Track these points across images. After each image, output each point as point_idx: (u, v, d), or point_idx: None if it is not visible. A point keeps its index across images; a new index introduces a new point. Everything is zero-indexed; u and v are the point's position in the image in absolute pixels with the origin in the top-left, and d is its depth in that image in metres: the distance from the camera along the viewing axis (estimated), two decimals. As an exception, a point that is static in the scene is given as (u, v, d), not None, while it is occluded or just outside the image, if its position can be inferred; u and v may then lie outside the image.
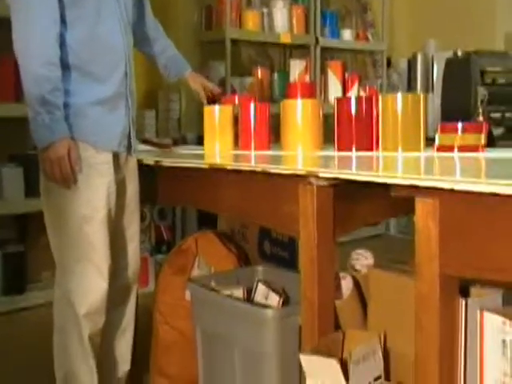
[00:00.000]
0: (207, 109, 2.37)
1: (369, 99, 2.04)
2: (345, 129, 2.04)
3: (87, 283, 1.93)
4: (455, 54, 4.12)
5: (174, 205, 3.70)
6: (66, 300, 1.94)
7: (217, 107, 2.36)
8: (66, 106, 1.85)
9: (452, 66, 3.42)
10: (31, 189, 3.24)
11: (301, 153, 2.11)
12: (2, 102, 3.19)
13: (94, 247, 1.92)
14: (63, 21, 1.85)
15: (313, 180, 1.60)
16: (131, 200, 2.10)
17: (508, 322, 1.33)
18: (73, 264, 1.93)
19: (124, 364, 2.17)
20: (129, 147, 2.04)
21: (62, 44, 1.86)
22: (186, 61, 2.44)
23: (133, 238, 2.13)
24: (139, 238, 2.18)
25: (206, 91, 2.45)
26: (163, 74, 2.43)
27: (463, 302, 1.40)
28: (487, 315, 1.36)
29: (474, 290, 1.45)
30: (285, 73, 4.47)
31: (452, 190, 1.27)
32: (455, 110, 3.26)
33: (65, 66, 1.86)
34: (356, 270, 1.85)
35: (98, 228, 1.92)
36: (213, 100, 2.45)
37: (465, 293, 1.44)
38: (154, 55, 2.37)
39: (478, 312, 1.37)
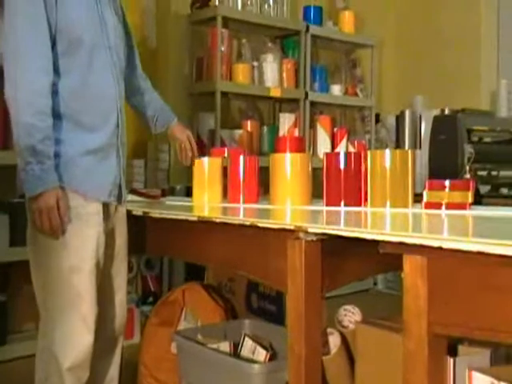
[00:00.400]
0: (197, 160, 2.39)
1: (357, 154, 2.06)
2: (333, 184, 2.06)
3: (72, 335, 1.89)
4: (442, 111, 4.20)
5: (161, 255, 3.68)
6: (49, 352, 1.90)
7: (206, 159, 2.38)
8: (56, 155, 1.84)
9: (439, 123, 3.48)
10: (16, 237, 3.18)
11: (289, 207, 2.12)
12: (-12, 150, 3.17)
13: (81, 298, 1.89)
14: (55, 70, 1.86)
15: (301, 235, 1.61)
16: (120, 250, 2.09)
17: (496, 382, 1.32)
18: (58, 315, 1.89)
19: None
20: (119, 197, 2.03)
21: (54, 93, 1.86)
22: (172, 112, 2.41)
23: (120, 289, 2.11)
24: (126, 289, 2.16)
25: (192, 146, 2.37)
26: (150, 125, 2.37)
27: (451, 361, 1.39)
28: (475, 375, 1.35)
29: (462, 348, 1.44)
30: (274, 126, 4.52)
31: (440, 248, 1.27)
32: (443, 166, 3.30)
33: (56, 116, 1.86)
34: (344, 326, 1.84)
35: (86, 279, 1.90)
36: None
37: (453, 350, 1.44)
38: (141, 106, 2.34)
39: (467, 371, 1.36)
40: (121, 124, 2.02)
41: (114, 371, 2.12)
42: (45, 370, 1.92)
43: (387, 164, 1.96)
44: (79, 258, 1.89)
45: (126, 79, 2.20)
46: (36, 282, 1.94)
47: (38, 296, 1.94)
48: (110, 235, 2.02)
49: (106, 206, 1.99)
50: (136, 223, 2.17)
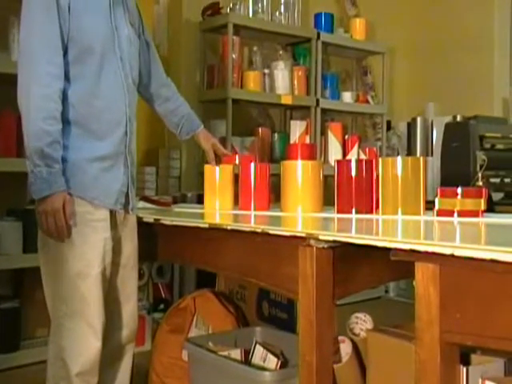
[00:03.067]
0: (208, 167, 2.39)
1: (369, 162, 2.06)
2: (345, 191, 2.06)
3: (80, 341, 1.91)
4: (454, 118, 4.18)
5: (173, 263, 3.68)
6: (58, 358, 1.92)
7: (217, 166, 2.38)
8: (64, 160, 1.88)
9: (451, 130, 3.47)
10: (29, 244, 3.21)
11: (301, 214, 2.11)
12: (3, 157, 3.21)
13: (88, 304, 1.91)
14: (66, 77, 1.90)
15: (312, 242, 1.60)
16: (129, 258, 2.09)
17: (510, 391, 1.31)
18: (66, 320, 1.91)
19: None
20: (126, 205, 2.04)
21: (64, 100, 1.89)
22: (198, 119, 2.46)
23: (130, 297, 2.11)
24: (137, 297, 2.16)
25: (218, 154, 2.42)
26: (174, 132, 2.43)
27: (464, 370, 1.38)
28: (489, 384, 1.34)
29: (475, 358, 1.43)
30: (285, 133, 4.52)
31: (452, 256, 1.27)
32: (455, 173, 3.28)
33: (65, 122, 1.89)
34: (355, 334, 1.83)
35: (93, 285, 1.91)
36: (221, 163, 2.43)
37: (466, 360, 1.42)
38: (166, 114, 2.39)
39: (480, 381, 1.35)
40: (129, 133, 2.03)
41: (123, 378, 2.13)
42: (55, 376, 1.94)
43: (399, 171, 1.95)
44: (86, 263, 1.90)
45: (147, 87, 2.27)
46: (46, 289, 1.96)
47: (48, 302, 1.96)
48: (118, 243, 2.03)
49: (113, 213, 2.00)
50: (147, 230, 2.18)
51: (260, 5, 4.29)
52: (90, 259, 1.91)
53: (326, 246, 1.60)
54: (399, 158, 1.98)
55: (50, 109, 1.84)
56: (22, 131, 1.86)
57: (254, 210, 2.26)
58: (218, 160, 2.42)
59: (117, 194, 2.00)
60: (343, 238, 1.53)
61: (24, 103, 1.85)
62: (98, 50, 1.93)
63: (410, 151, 4.89)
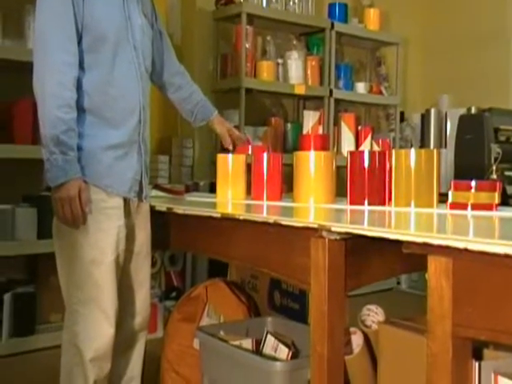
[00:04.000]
0: (220, 156, 2.40)
1: (382, 153, 2.05)
2: (357, 182, 2.05)
3: (93, 327, 1.93)
4: (469, 110, 4.16)
5: (185, 251, 3.69)
6: (72, 344, 1.95)
7: (230, 155, 2.39)
8: (79, 148, 1.90)
9: (466, 122, 3.44)
10: (44, 230, 3.25)
11: (313, 205, 2.11)
12: (19, 144, 3.23)
13: (101, 291, 1.93)
14: (80, 65, 1.92)
15: (325, 233, 1.60)
16: (142, 246, 2.11)
17: (523, 387, 1.30)
18: (80, 307, 1.94)
19: None
20: (140, 193, 2.06)
21: (79, 88, 1.91)
22: (212, 105, 2.47)
23: (143, 284, 2.13)
24: (149, 285, 2.18)
25: (232, 138, 2.45)
26: (189, 119, 2.45)
27: (476, 365, 1.37)
28: (502, 380, 1.33)
29: (487, 353, 1.42)
30: (298, 123, 4.51)
31: (466, 250, 1.26)
32: (469, 166, 3.26)
33: (80, 110, 1.91)
34: (366, 326, 1.84)
35: (106, 272, 1.93)
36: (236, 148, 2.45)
37: (478, 354, 1.42)
38: (179, 101, 2.41)
39: (492, 376, 1.35)
40: (143, 121, 2.05)
41: (136, 366, 2.15)
42: (69, 362, 1.97)
43: (412, 163, 1.94)
44: (100, 250, 1.92)
45: (160, 75, 2.29)
46: (61, 275, 1.99)
47: (63, 289, 1.99)
48: (132, 231, 2.05)
49: (127, 201, 2.02)
50: (160, 219, 2.18)
51: (274, -6, 4.28)
52: (104, 246, 1.93)
53: (338, 237, 1.60)
54: (412, 150, 1.97)
55: (66, 97, 1.86)
56: (38, 119, 1.87)
57: (267, 200, 2.26)
58: (234, 146, 2.43)
59: (130, 182, 2.01)
60: (355, 230, 1.53)
61: (39, 91, 1.86)
62: (112, 38, 1.95)
63: (424, 143, 4.87)
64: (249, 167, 2.36)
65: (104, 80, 1.95)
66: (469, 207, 1.83)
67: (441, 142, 4.76)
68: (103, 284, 1.93)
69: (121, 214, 1.98)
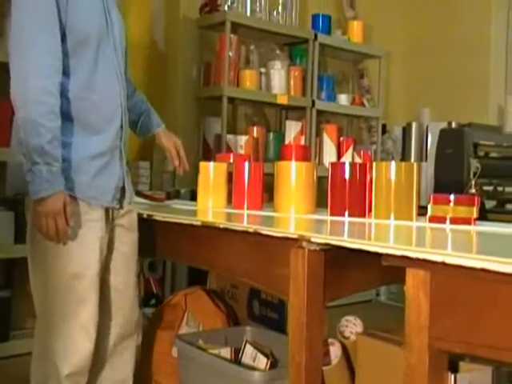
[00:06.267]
0: (203, 164, 2.40)
1: (363, 165, 2.07)
2: (338, 194, 2.06)
3: (73, 344, 1.85)
4: (449, 124, 4.20)
5: (164, 259, 3.68)
6: (48, 358, 1.86)
7: (212, 164, 2.39)
8: (63, 159, 1.78)
9: (446, 136, 3.48)
10: (21, 234, 3.15)
11: (293, 215, 2.12)
12: (-2, 146, 3.19)
13: (83, 305, 1.85)
14: (63, 70, 1.80)
15: (305, 244, 1.61)
16: (130, 247, 2.04)
17: (496, 399, 1.32)
18: (59, 322, 1.85)
19: None
20: (121, 200, 1.99)
21: (61, 94, 1.79)
22: (159, 119, 2.33)
23: (129, 287, 2.06)
24: (136, 288, 2.11)
25: (179, 154, 2.32)
26: (133, 131, 2.28)
27: (452, 377, 1.39)
28: (476, 391, 1.35)
29: (463, 365, 1.44)
30: (280, 133, 4.52)
31: (443, 263, 1.28)
32: (448, 180, 3.30)
33: (63, 117, 1.79)
34: (345, 337, 1.85)
35: (89, 285, 1.86)
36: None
37: (454, 367, 1.43)
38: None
39: (467, 388, 1.37)
40: (124, 125, 1.98)
41: (126, 370, 2.08)
42: (43, 374, 1.88)
43: (392, 176, 1.95)
44: (82, 264, 1.85)
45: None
46: (34, 286, 1.90)
47: (36, 300, 1.90)
48: (116, 238, 1.99)
49: (107, 210, 1.94)
50: (140, 225, 2.17)
51: (258, 3, 4.30)
52: (87, 260, 1.85)
53: (317, 248, 1.60)
54: (393, 163, 1.98)
55: (51, 103, 1.74)
56: (18, 125, 1.77)
57: (247, 209, 2.26)
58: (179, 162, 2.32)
59: (114, 191, 1.94)
60: (335, 241, 1.54)
61: (20, 96, 1.73)
62: (94, 40, 1.85)
63: (405, 156, 4.91)
64: (230, 176, 2.36)
65: (86, 85, 1.85)
66: (447, 221, 1.85)
67: (421, 156, 4.80)
68: (86, 298, 1.85)
69: (103, 225, 1.90)
